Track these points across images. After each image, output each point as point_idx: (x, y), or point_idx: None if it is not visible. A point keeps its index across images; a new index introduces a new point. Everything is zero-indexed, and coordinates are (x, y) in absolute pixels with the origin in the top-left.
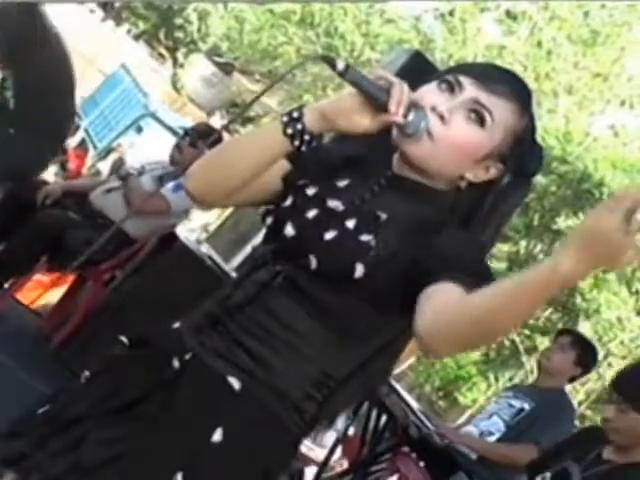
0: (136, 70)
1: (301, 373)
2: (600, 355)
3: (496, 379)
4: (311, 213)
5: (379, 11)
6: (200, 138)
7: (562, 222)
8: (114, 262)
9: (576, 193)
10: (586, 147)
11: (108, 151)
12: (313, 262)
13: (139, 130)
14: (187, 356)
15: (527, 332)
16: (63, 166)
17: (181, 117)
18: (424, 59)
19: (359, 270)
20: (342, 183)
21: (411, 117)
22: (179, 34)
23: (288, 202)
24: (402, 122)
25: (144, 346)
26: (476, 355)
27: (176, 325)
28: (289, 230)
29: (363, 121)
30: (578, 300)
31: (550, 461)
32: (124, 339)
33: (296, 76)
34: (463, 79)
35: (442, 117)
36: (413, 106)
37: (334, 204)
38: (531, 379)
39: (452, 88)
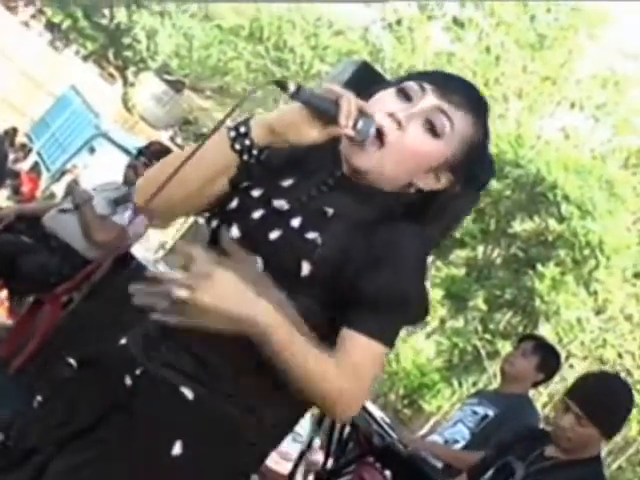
0: (86, 91)
1: (255, 378)
2: (561, 357)
3: (460, 385)
4: (256, 214)
5: (327, 23)
6: (155, 158)
7: (518, 226)
8: (70, 284)
9: (530, 196)
10: (538, 150)
11: (62, 173)
12: (259, 262)
13: (92, 151)
14: (138, 371)
15: (488, 337)
16: (16, 190)
17: (133, 136)
18: (371, 69)
19: (305, 268)
20: (286, 183)
21: (360, 125)
22: (128, 53)
23: (233, 204)
24: (353, 134)
25: (93, 366)
26: (439, 362)
27: (123, 341)
28: (234, 232)
29: (312, 133)
30: (537, 303)
31: (492, 463)
32: (72, 360)
33: (247, 91)
34: (426, 85)
35: (399, 123)
36: (361, 114)
37: (279, 203)
38: (495, 383)
39: (410, 96)
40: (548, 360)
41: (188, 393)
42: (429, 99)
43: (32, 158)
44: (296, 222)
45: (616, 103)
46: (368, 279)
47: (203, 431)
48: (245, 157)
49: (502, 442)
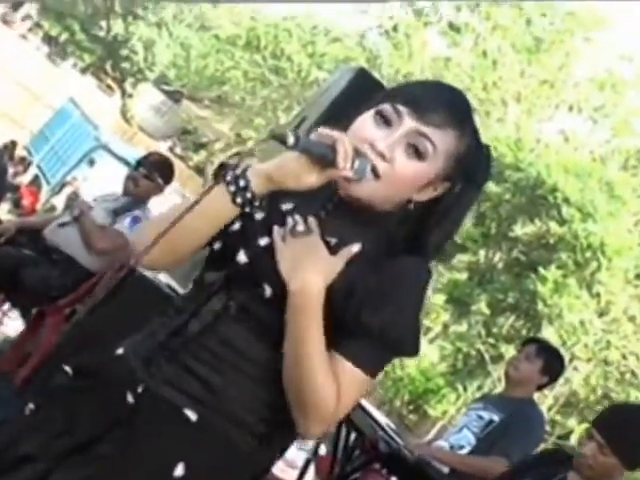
0: (85, 103)
1: (255, 397)
2: (565, 360)
3: (464, 389)
4: (262, 241)
5: (324, 30)
6: (155, 169)
7: (519, 229)
8: (73, 297)
9: (531, 200)
10: (538, 153)
11: (62, 186)
12: (267, 291)
13: (91, 163)
14: (139, 388)
15: (492, 341)
16: (17, 203)
17: (133, 147)
18: (369, 76)
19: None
20: (286, 206)
21: (356, 165)
22: (125, 65)
23: (236, 226)
24: (352, 175)
25: (91, 377)
26: (443, 367)
27: (119, 351)
28: (241, 257)
29: (310, 178)
30: (540, 306)
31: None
32: (67, 368)
33: (246, 100)
34: (401, 108)
35: (383, 156)
36: (356, 154)
37: (288, 238)
38: (499, 387)
39: (389, 121)
40: (552, 363)
41: (191, 415)
42: (406, 124)
43: (32, 171)
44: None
45: (614, 105)
46: (370, 313)
47: (206, 453)
48: (247, 209)
49: (525, 461)
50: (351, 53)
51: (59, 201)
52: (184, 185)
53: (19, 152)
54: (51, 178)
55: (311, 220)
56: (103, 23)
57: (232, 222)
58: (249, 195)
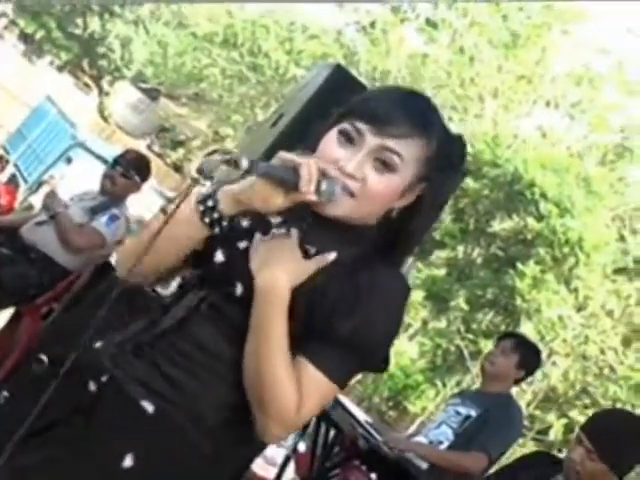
0: (62, 101)
1: (219, 396)
2: (544, 354)
3: (444, 385)
4: (242, 244)
5: (301, 27)
6: (131, 167)
7: (497, 225)
8: (50, 295)
9: (508, 195)
10: (515, 149)
11: (39, 184)
12: (239, 289)
13: (69, 161)
14: (104, 378)
15: (471, 337)
16: None
17: (111, 145)
18: (346, 72)
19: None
20: (275, 220)
21: (324, 187)
22: (102, 62)
23: (217, 231)
24: (316, 198)
25: (62, 365)
26: (422, 363)
27: (98, 344)
28: (219, 257)
29: (277, 201)
30: (518, 301)
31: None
32: (43, 357)
33: (224, 97)
34: (361, 126)
35: (352, 177)
36: (323, 176)
37: (264, 238)
38: (478, 383)
39: (352, 139)
40: (528, 357)
41: (148, 407)
42: (369, 141)
43: (9, 170)
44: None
45: (591, 100)
46: (342, 317)
47: (158, 447)
48: (216, 229)
49: (512, 465)
50: (329, 50)
51: (36, 200)
52: (161, 182)
53: None
54: (28, 177)
55: (294, 230)
56: (79, 21)
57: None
58: (216, 215)
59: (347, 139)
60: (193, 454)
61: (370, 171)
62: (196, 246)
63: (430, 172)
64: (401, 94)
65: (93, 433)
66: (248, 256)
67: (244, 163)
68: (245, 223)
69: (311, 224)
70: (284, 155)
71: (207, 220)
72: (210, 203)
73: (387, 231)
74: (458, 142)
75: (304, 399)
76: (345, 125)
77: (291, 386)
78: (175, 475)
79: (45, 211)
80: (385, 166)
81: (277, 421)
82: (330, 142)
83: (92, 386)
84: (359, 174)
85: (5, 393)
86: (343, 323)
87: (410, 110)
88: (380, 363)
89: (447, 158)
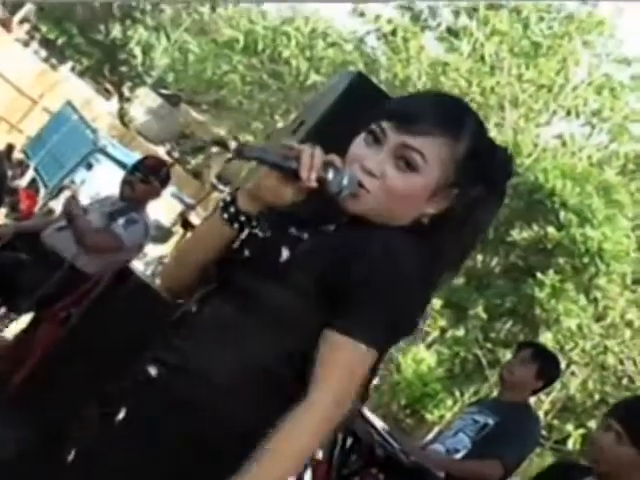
0: (82, 107)
1: (227, 363)
2: (562, 364)
3: (461, 394)
4: (260, 233)
5: (322, 34)
6: (151, 173)
7: (517, 234)
8: (69, 300)
9: (528, 204)
10: (535, 158)
11: (59, 189)
12: (246, 251)
13: (89, 167)
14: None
15: (489, 346)
16: (14, 207)
17: (131, 151)
18: (366, 80)
19: (284, 254)
20: (304, 236)
21: (330, 176)
22: (123, 68)
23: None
24: (317, 185)
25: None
26: (440, 372)
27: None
28: (235, 244)
29: (287, 193)
30: (538, 311)
31: None
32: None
33: (244, 104)
34: (385, 125)
35: (371, 173)
36: (330, 166)
37: (291, 229)
38: (496, 392)
39: (378, 139)
40: (547, 367)
41: (152, 370)
42: (391, 139)
43: (29, 175)
44: (294, 229)
45: (612, 109)
46: (355, 277)
47: (150, 402)
48: (235, 225)
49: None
50: (349, 57)
51: (57, 205)
52: (181, 189)
53: (16, 155)
54: (48, 182)
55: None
56: (101, 27)
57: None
58: (233, 210)
59: (374, 139)
60: (198, 411)
61: (390, 169)
62: (226, 244)
63: (462, 177)
64: (432, 94)
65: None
66: (265, 238)
67: (232, 145)
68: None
69: (345, 224)
70: (285, 142)
71: (225, 216)
72: (228, 199)
73: (421, 238)
74: (501, 154)
75: (340, 375)
76: (372, 125)
77: (309, 422)
78: (169, 431)
79: (65, 216)
80: (407, 165)
81: (321, 423)
82: (357, 142)
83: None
84: (378, 171)
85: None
86: (355, 274)
87: (436, 108)
88: (407, 324)
89: (483, 167)
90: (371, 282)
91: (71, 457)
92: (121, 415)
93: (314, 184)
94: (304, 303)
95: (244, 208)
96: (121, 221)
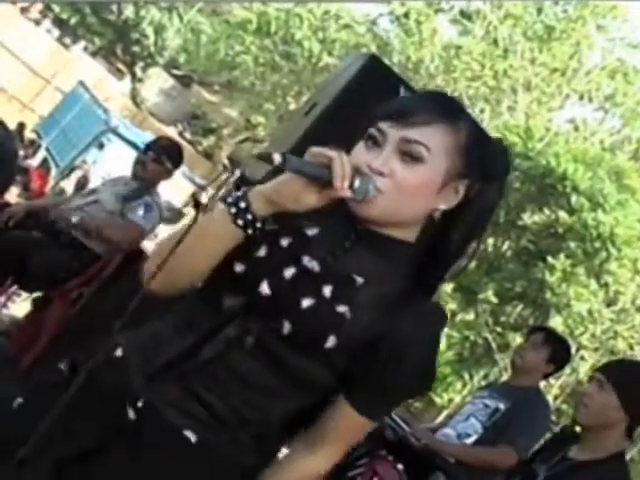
0: (94, 87)
1: (257, 426)
2: (572, 349)
3: (471, 378)
4: (288, 272)
5: (335, 17)
6: (163, 153)
7: (528, 218)
8: (80, 280)
9: (540, 188)
10: (547, 142)
11: (71, 169)
12: (287, 327)
13: (101, 147)
14: (140, 404)
15: (499, 329)
16: (26, 187)
17: (142, 131)
18: (380, 62)
19: (331, 341)
20: (311, 232)
21: (357, 184)
22: (136, 49)
23: (262, 253)
24: (351, 195)
25: (88, 379)
26: (450, 355)
27: (118, 353)
28: (264, 288)
29: (310, 199)
30: (548, 295)
31: (524, 466)
32: (62, 366)
33: (256, 85)
34: (383, 126)
35: (381, 173)
36: (356, 172)
37: (310, 264)
38: (505, 376)
39: (377, 141)
40: (558, 352)
41: (191, 436)
42: (391, 136)
43: (41, 154)
44: (327, 291)
45: (625, 94)
46: (392, 375)
47: (206, 474)
48: (250, 231)
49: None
50: (362, 39)
51: (68, 184)
52: (193, 169)
53: (28, 135)
54: (60, 161)
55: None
56: (114, 7)
57: (258, 247)
58: (250, 217)
59: (373, 142)
60: (236, 474)
61: (397, 164)
62: (227, 250)
63: (467, 166)
64: (424, 91)
65: (140, 466)
66: (296, 291)
67: (277, 158)
68: (284, 242)
69: (354, 240)
70: (316, 150)
71: (240, 222)
72: (242, 205)
73: (433, 240)
74: (497, 146)
75: (344, 438)
76: (371, 130)
77: (313, 465)
78: None
79: (78, 195)
80: (412, 158)
81: (319, 472)
82: (358, 149)
83: (131, 414)
84: (386, 170)
85: (20, 399)
86: (394, 379)
87: (431, 100)
88: (421, 395)
89: (483, 158)
90: (398, 366)
91: None
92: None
93: (348, 194)
94: (332, 375)
95: (258, 213)
96: (140, 211)
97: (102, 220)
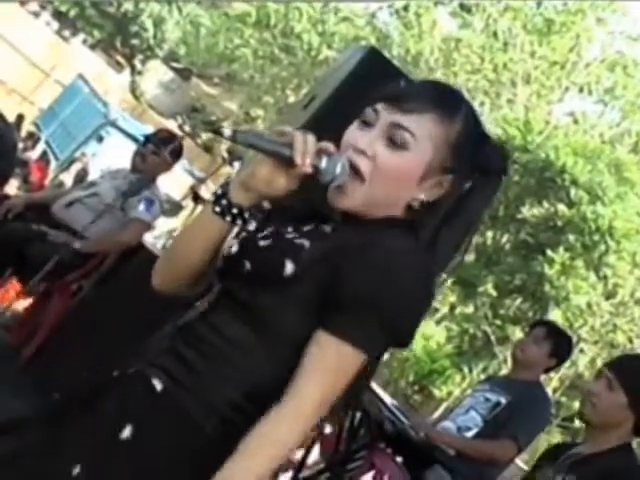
0: (94, 79)
1: (231, 382)
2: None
3: (470, 370)
4: (259, 233)
5: (334, 9)
6: (163, 145)
7: (527, 211)
8: (80, 273)
9: (539, 182)
10: (547, 135)
11: (70, 162)
12: (247, 265)
13: (100, 139)
14: (131, 370)
15: (498, 322)
16: (25, 179)
17: (142, 124)
18: (380, 55)
19: (289, 267)
20: (306, 227)
21: (324, 164)
22: (135, 41)
23: (251, 227)
24: (312, 171)
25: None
26: (449, 348)
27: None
28: (233, 248)
29: (280, 181)
30: (547, 288)
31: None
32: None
33: (255, 78)
34: (379, 107)
35: (363, 152)
36: (323, 153)
37: (283, 229)
38: (505, 369)
39: (370, 121)
40: (560, 346)
41: (158, 385)
42: (383, 119)
43: (40, 147)
44: (290, 234)
45: (624, 87)
46: (352, 279)
47: (158, 422)
48: (228, 218)
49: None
50: (361, 32)
51: (67, 177)
52: (192, 162)
53: (28, 127)
54: (60, 154)
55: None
56: None
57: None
58: (225, 202)
59: (366, 123)
60: (195, 434)
61: (381, 147)
62: (218, 242)
63: (455, 161)
64: (428, 80)
65: (101, 407)
66: (257, 236)
67: (226, 132)
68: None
69: (340, 223)
70: (279, 128)
71: (217, 209)
72: (220, 191)
73: (411, 230)
74: (495, 145)
75: (325, 373)
76: (366, 110)
77: (289, 422)
78: (174, 453)
79: (77, 187)
80: (397, 144)
81: (302, 419)
82: (351, 128)
83: (115, 373)
84: (370, 151)
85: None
86: (351, 282)
87: (430, 89)
88: (402, 332)
89: (478, 155)
90: (368, 288)
91: (76, 471)
92: (127, 433)
93: (309, 169)
94: (309, 318)
95: (236, 200)
96: (142, 207)
97: (99, 228)
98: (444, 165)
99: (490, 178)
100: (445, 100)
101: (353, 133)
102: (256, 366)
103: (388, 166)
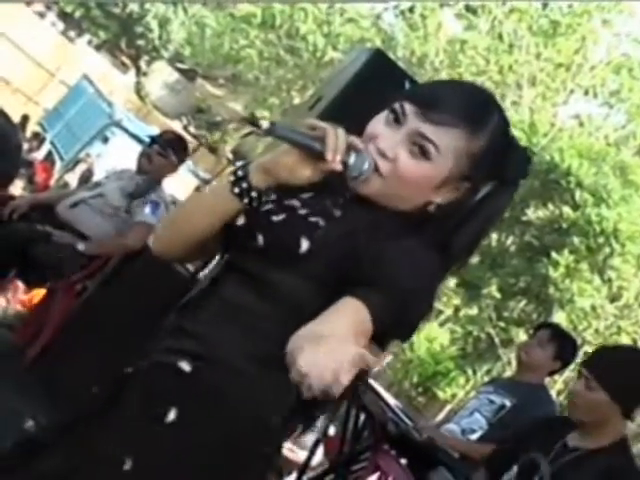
0: (99, 80)
1: (248, 348)
2: None
3: (474, 372)
4: (266, 207)
5: (339, 10)
6: (169, 146)
7: (532, 213)
8: (84, 273)
9: (544, 184)
10: (552, 138)
11: (75, 162)
12: (260, 239)
13: (105, 140)
14: (145, 363)
15: (502, 324)
16: (30, 180)
17: (147, 125)
18: (385, 57)
19: (304, 244)
20: (306, 194)
21: (352, 160)
22: (140, 42)
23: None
24: (342, 169)
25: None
26: (453, 350)
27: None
28: (240, 220)
29: (305, 172)
30: (551, 290)
31: (513, 457)
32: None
33: (260, 79)
34: (408, 107)
35: (384, 155)
36: (352, 149)
37: (292, 202)
38: (509, 371)
39: (398, 119)
40: (565, 349)
41: (185, 366)
42: (410, 123)
43: (46, 147)
44: (303, 211)
45: (630, 89)
46: (373, 266)
47: (199, 400)
48: (245, 200)
49: (519, 433)
50: (366, 34)
51: (72, 178)
52: (197, 164)
53: (33, 128)
54: (65, 155)
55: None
56: (119, 0)
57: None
58: (245, 185)
59: (394, 118)
60: (233, 410)
61: (404, 153)
62: (227, 220)
63: (475, 171)
64: (460, 84)
65: (125, 403)
66: (270, 213)
67: (264, 123)
68: (274, 196)
69: (349, 200)
70: (312, 121)
71: (236, 190)
72: (240, 173)
73: (424, 228)
74: (520, 153)
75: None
76: (397, 104)
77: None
78: (217, 431)
79: (82, 188)
80: (420, 152)
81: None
82: (378, 119)
83: (129, 369)
84: (391, 154)
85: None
86: (379, 268)
87: (460, 99)
88: (408, 324)
89: (498, 165)
90: (383, 269)
91: (127, 466)
92: (172, 416)
93: (339, 167)
94: (324, 294)
95: (255, 183)
96: (147, 209)
97: (103, 229)
98: (463, 174)
99: (508, 185)
100: (476, 114)
101: (379, 126)
102: (273, 336)
103: (407, 173)
